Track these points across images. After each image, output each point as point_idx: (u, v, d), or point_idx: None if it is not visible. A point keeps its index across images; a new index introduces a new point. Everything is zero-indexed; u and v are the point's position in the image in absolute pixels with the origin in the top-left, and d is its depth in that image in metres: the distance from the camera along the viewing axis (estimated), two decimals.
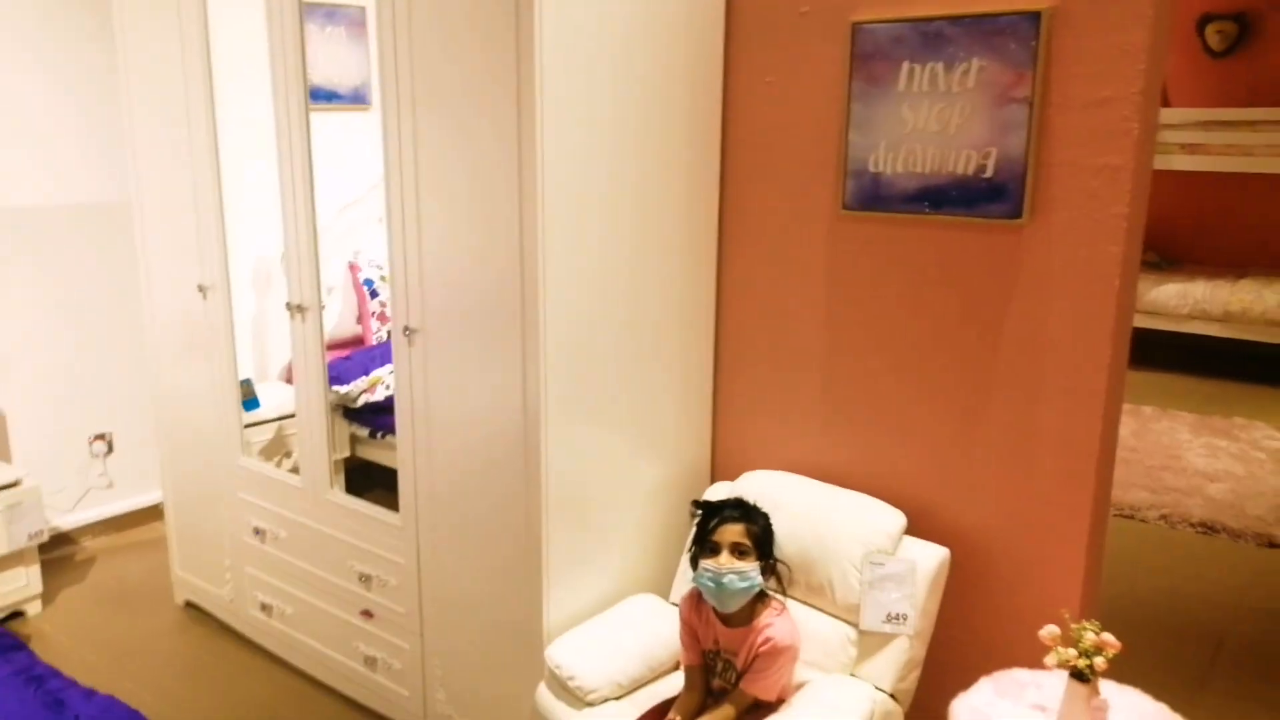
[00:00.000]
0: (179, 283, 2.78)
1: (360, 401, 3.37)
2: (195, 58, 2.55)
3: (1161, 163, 5.44)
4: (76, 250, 3.44)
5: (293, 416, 3.19)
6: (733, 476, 2.27)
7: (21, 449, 3.38)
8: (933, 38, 1.94)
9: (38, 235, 3.34)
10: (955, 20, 1.91)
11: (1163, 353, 5.61)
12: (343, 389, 3.31)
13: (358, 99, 3.91)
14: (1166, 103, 5.94)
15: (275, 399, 3.31)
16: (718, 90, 2.24)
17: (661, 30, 2.06)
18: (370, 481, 3.16)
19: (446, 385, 2.15)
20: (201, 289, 2.71)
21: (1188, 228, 6.08)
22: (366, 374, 3.41)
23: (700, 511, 1.92)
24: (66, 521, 3.48)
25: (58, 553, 3.36)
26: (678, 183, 2.18)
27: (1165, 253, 6.07)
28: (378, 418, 3.41)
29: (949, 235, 1.99)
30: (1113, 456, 2.00)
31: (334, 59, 3.80)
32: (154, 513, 3.71)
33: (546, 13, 1.79)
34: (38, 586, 3.05)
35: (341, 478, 2.64)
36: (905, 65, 1.98)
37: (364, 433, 3.50)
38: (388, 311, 3.87)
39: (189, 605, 3.10)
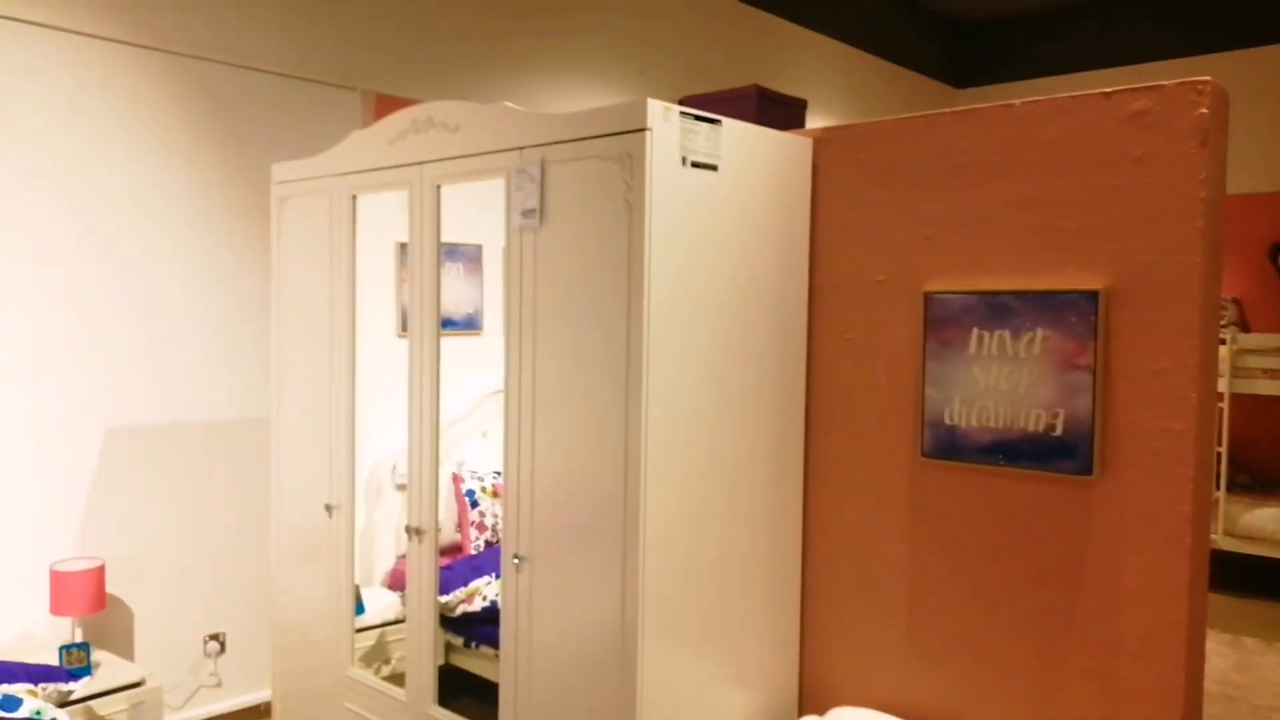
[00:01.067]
0: (307, 497, 3.05)
1: (459, 611, 3.54)
2: (342, 294, 2.91)
3: (1245, 387, 5.50)
4: (209, 461, 3.78)
5: (395, 624, 3.38)
6: (820, 710, 2.34)
7: (143, 648, 3.61)
8: (999, 308, 2.16)
9: (183, 447, 3.70)
10: (1019, 295, 2.13)
11: (1263, 580, 5.46)
12: (443, 599, 3.49)
13: (470, 325, 4.30)
14: (1245, 328, 6.05)
15: (378, 604, 3.51)
16: (802, 342, 2.48)
17: (754, 288, 2.33)
18: (460, 688, 3.28)
19: (549, 604, 2.32)
20: (328, 508, 2.97)
21: (1277, 450, 6.04)
22: (466, 585, 3.59)
23: None
24: (176, 718, 3.65)
25: None
26: (766, 422, 2.39)
27: (1259, 475, 6.01)
28: (473, 628, 3.57)
29: (1023, 486, 2.14)
30: (1198, 710, 2.03)
31: (451, 289, 4.22)
32: (257, 712, 3.86)
33: (655, 266, 2.07)
34: None
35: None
36: (975, 331, 2.19)
37: (459, 641, 3.65)
38: (486, 521, 4.10)
39: None
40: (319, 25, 4.01)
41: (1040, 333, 2.10)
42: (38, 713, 2.49)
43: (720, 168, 2.21)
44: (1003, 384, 2.15)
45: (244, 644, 3.85)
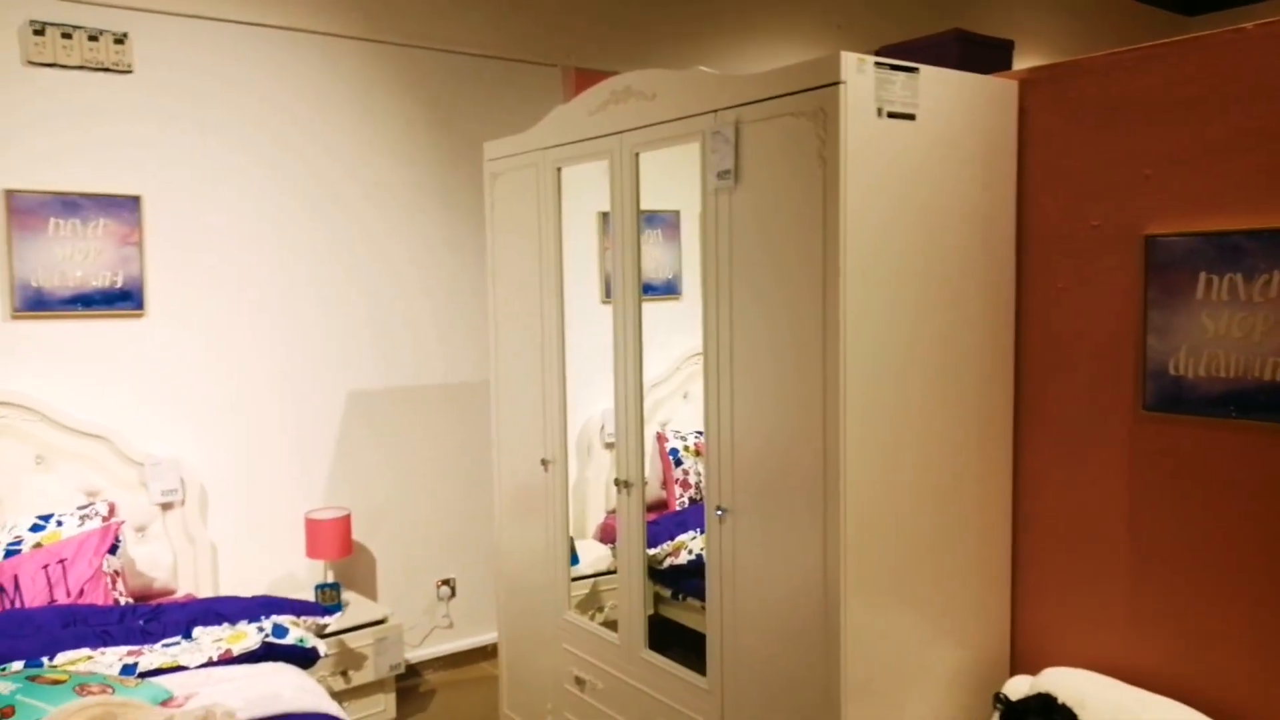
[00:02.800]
0: (524, 454, 3.26)
1: (666, 564, 3.68)
2: (551, 264, 3.06)
3: None
4: (438, 421, 4.09)
5: (607, 574, 3.55)
6: (1033, 670, 2.29)
7: (384, 589, 3.98)
8: (1230, 250, 2.01)
9: (413, 409, 4.03)
10: (1253, 234, 1.97)
11: None
12: (651, 551, 3.63)
13: (669, 290, 4.40)
14: None
15: (591, 556, 3.70)
16: (1010, 294, 2.40)
17: (957, 239, 2.28)
18: (668, 639, 3.41)
19: (752, 558, 2.38)
20: (544, 462, 3.15)
21: None
22: (672, 539, 3.72)
23: (1003, 707, 1.98)
24: (413, 656, 4.01)
25: (406, 683, 3.86)
26: (972, 378, 2.34)
27: None
28: (681, 580, 3.69)
29: (1257, 439, 2.00)
30: None
31: (651, 256, 4.33)
32: (484, 653, 4.18)
33: (851, 221, 2.07)
34: (393, 712, 3.54)
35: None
36: (1202, 275, 2.06)
37: (667, 593, 3.78)
38: (689, 479, 4.21)
39: None
40: (521, 7, 4.20)
41: (1277, 275, 1.94)
42: (301, 640, 2.81)
43: (918, 116, 2.17)
44: (1234, 331, 2.01)
45: (472, 588, 4.17)
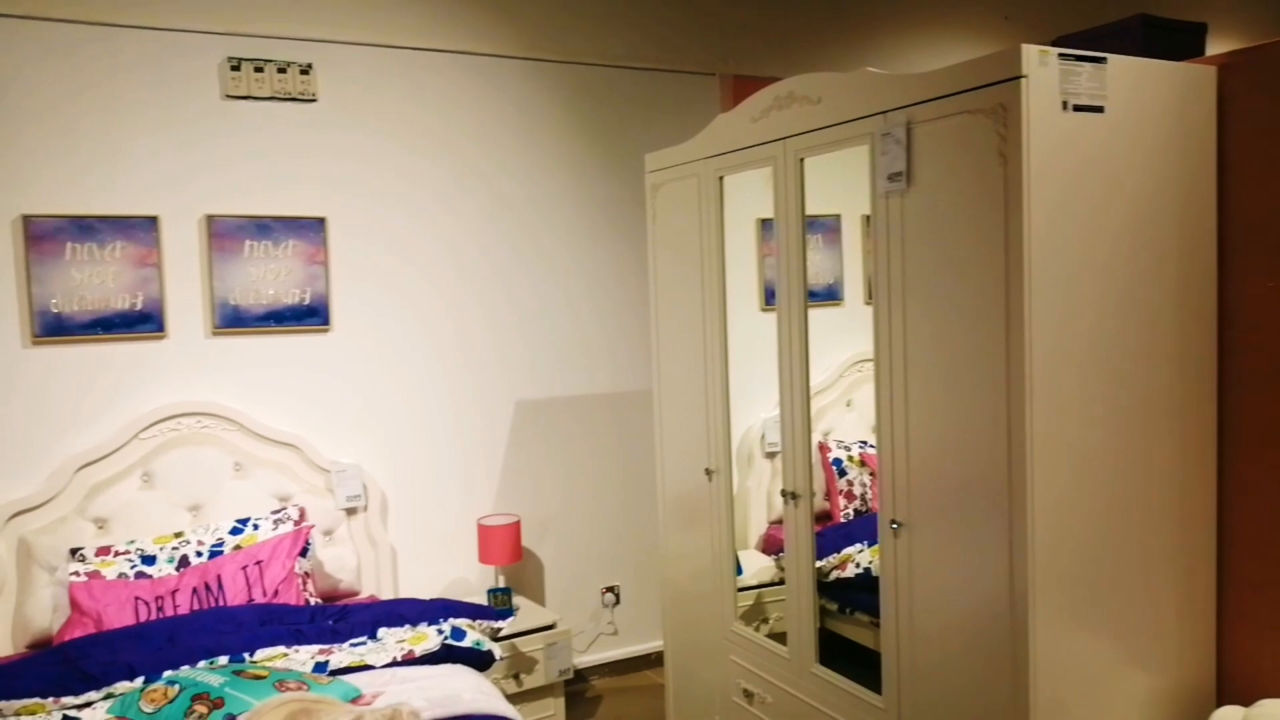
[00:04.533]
0: (688, 463, 3.26)
1: (832, 576, 3.60)
2: (713, 272, 3.06)
3: None
4: (602, 430, 4.15)
5: (771, 585, 3.51)
6: (1244, 700, 2.11)
7: (551, 595, 4.07)
8: None
9: (578, 418, 4.10)
10: None
11: None
12: (817, 564, 3.56)
13: (831, 296, 4.32)
14: None
15: (754, 567, 3.66)
16: (1211, 294, 2.23)
17: (1149, 236, 2.13)
18: (836, 653, 3.33)
19: (930, 573, 2.30)
20: (708, 472, 3.15)
21: None
22: (838, 551, 3.64)
23: None
24: (580, 661, 4.07)
25: (573, 688, 3.92)
26: (1168, 384, 2.19)
27: None
28: (848, 594, 3.60)
29: None
30: None
31: (811, 262, 4.26)
32: (648, 661, 4.20)
33: (1035, 219, 1.97)
34: (562, 717, 3.60)
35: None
36: None
37: (833, 606, 3.70)
38: (854, 490, 4.12)
39: None
40: (678, 18, 4.23)
41: None
42: (478, 643, 2.90)
43: (1106, 109, 2.05)
44: None
45: (636, 596, 4.20)
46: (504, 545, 3.70)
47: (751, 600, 3.45)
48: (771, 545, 3.92)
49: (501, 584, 3.77)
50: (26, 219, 3.15)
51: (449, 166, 3.82)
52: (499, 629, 3.13)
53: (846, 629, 3.64)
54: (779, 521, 3.44)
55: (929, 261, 2.23)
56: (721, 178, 3.00)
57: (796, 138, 2.62)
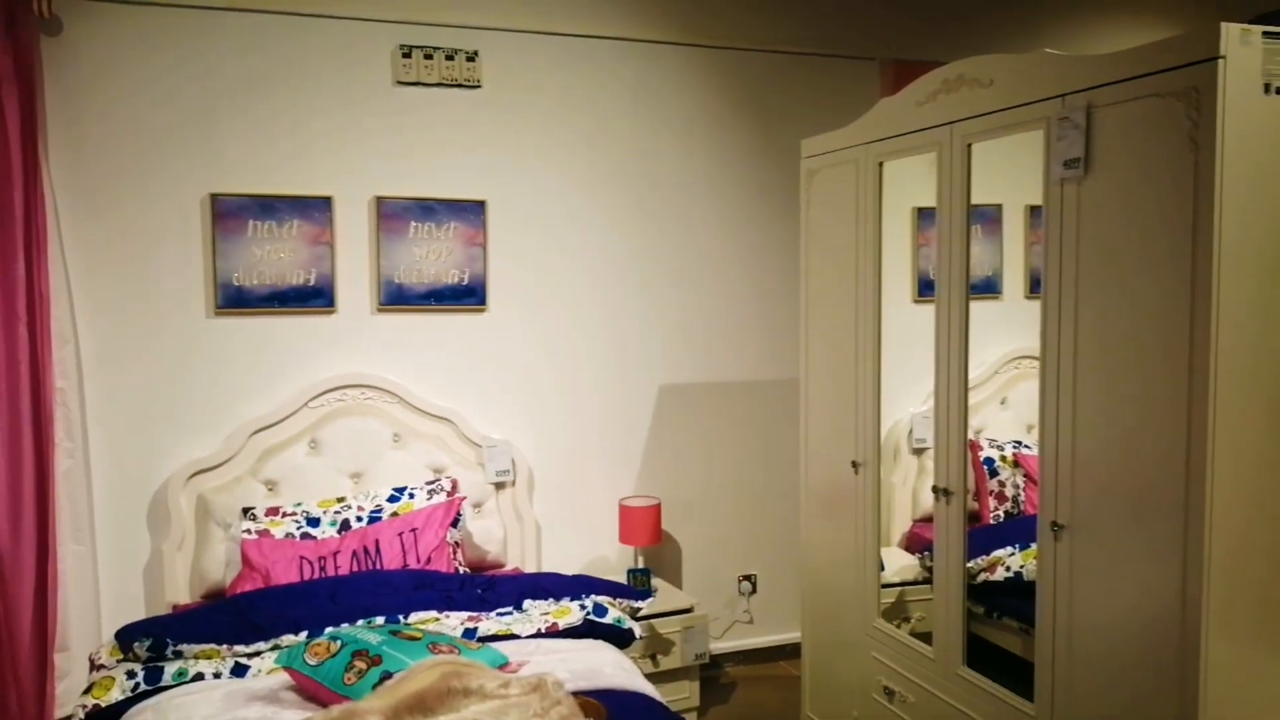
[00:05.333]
0: (834, 455, 3.21)
1: (979, 579, 3.48)
2: (868, 261, 2.99)
3: None
4: (745, 417, 4.14)
5: (914, 584, 3.42)
6: None
7: (688, 579, 4.09)
8: None
9: (723, 404, 4.10)
10: None
11: None
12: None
13: (989, 289, 4.16)
14: None
15: (896, 564, 3.58)
16: None
17: None
18: (981, 657, 3.22)
19: (1092, 581, 2.19)
20: (855, 465, 3.10)
21: None
22: (987, 553, 3.52)
23: None
24: (714, 648, 4.08)
25: (708, 673, 3.93)
26: None
27: None
28: (996, 598, 3.48)
29: None
30: None
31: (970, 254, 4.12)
32: (784, 652, 4.17)
33: (1228, 210, 1.85)
34: (696, 700, 3.62)
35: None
36: None
37: (979, 609, 3.58)
38: (1006, 491, 3.96)
39: None
40: (837, 3, 4.15)
41: None
42: (619, 620, 2.95)
43: None
44: None
45: (773, 586, 4.18)
46: (644, 527, 3.74)
47: (893, 598, 3.38)
48: (916, 543, 3.83)
49: (641, 565, 3.81)
50: (214, 197, 3.37)
51: (603, 152, 3.87)
52: (638, 608, 3.17)
53: (993, 634, 3.52)
54: (924, 519, 3.36)
55: (1105, 253, 2.12)
56: (881, 164, 2.93)
57: (964, 122, 2.54)
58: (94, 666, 2.75)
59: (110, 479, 3.34)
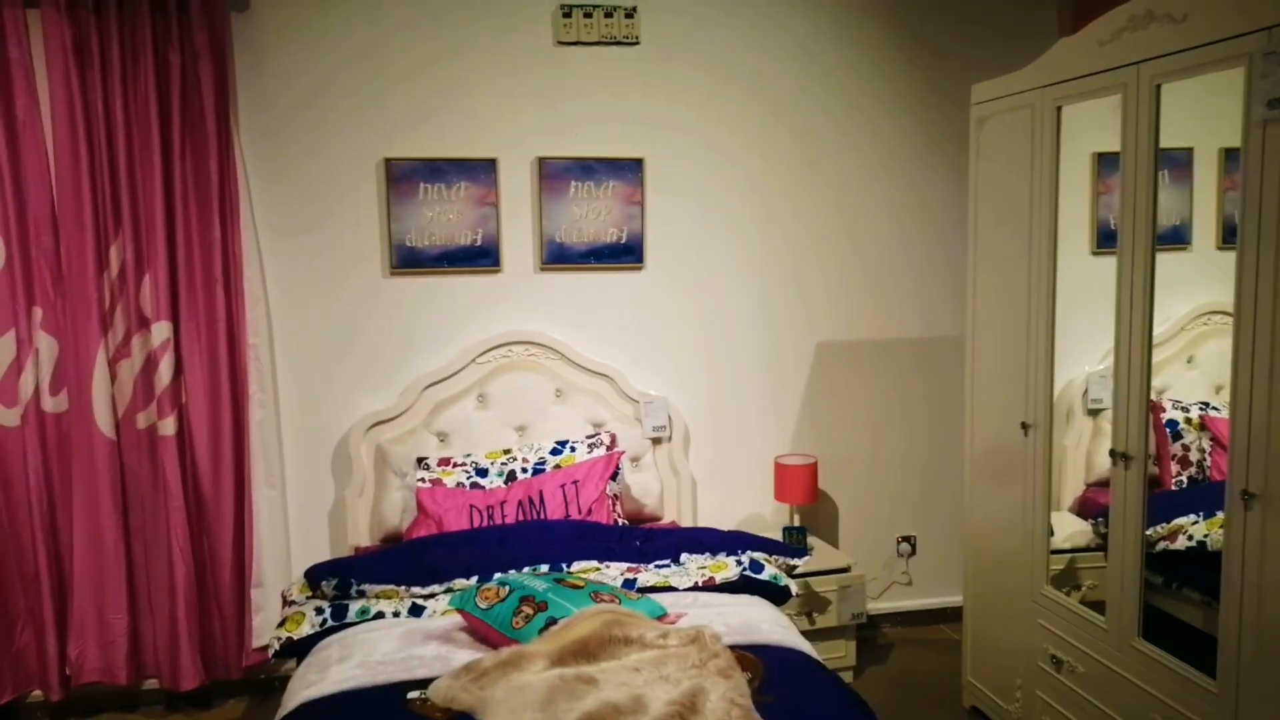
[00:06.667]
0: (1002, 416, 3.10)
1: (1159, 547, 3.30)
2: (1043, 211, 2.85)
3: None
4: (907, 375, 4.04)
5: (1085, 550, 3.28)
6: None
7: (844, 539, 4.05)
8: None
9: (881, 362, 4.02)
10: None
11: None
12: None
13: (1177, 239, 3.88)
14: None
15: (1066, 530, 3.43)
16: None
17: None
18: (1157, 629, 3.06)
19: None
20: (1025, 426, 2.98)
21: None
22: (1167, 521, 3.32)
23: None
24: (871, 608, 4.04)
25: (864, 634, 3.90)
26: None
27: None
28: (1176, 567, 3.29)
29: None
30: None
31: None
32: (943, 615, 4.09)
33: None
34: (852, 660, 3.60)
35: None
36: None
37: (1157, 579, 3.40)
38: (1190, 456, 3.72)
39: (974, 711, 3.35)
40: None
41: None
42: (775, 577, 2.96)
43: None
44: None
45: (933, 548, 4.09)
46: (800, 485, 3.72)
47: (1063, 565, 3.25)
48: (1089, 508, 3.66)
49: (796, 523, 3.80)
50: (388, 162, 3.53)
51: (761, 105, 3.81)
52: (794, 566, 3.17)
53: (1171, 605, 3.33)
54: (1099, 483, 3.21)
55: None
56: (1060, 108, 2.77)
57: (1153, 61, 2.36)
58: (286, 602, 2.98)
59: (298, 428, 3.59)
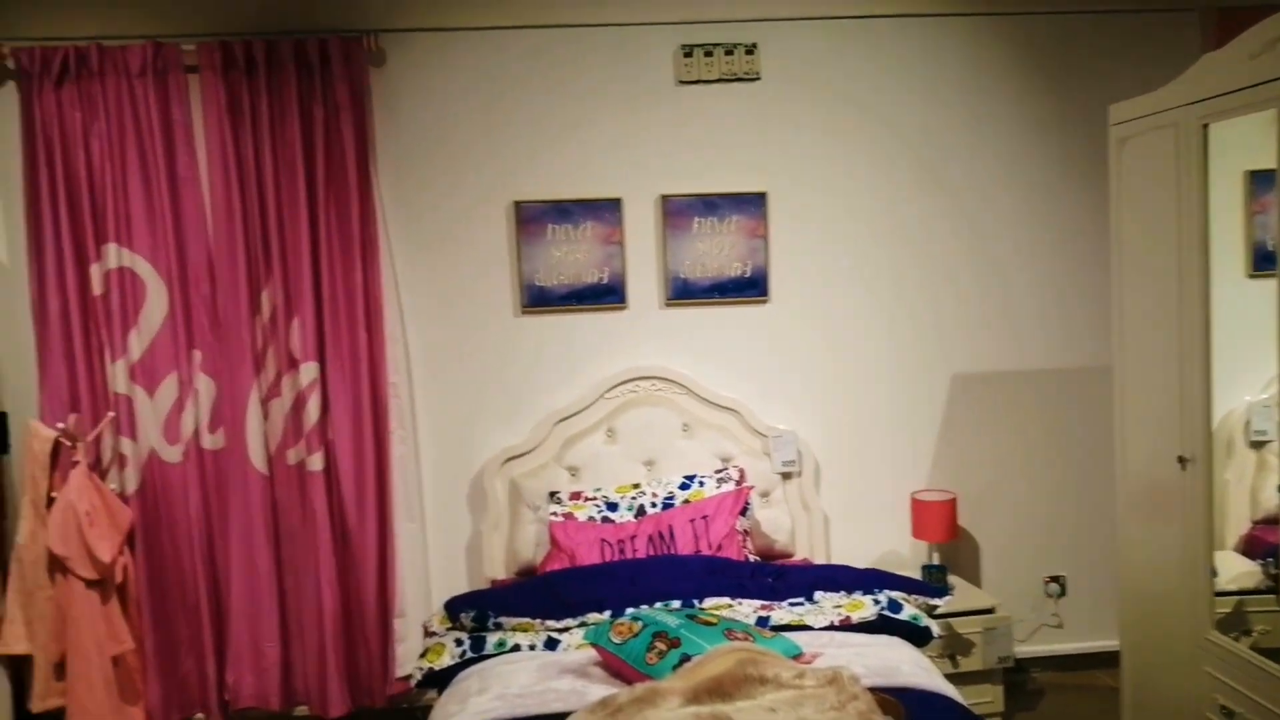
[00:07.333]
0: (1156, 448, 2.93)
1: None
2: (1192, 233, 2.70)
3: None
4: (1050, 407, 3.87)
5: (1255, 593, 3.05)
6: None
7: (988, 578, 3.89)
8: None
9: (1021, 393, 3.87)
10: None
11: None
12: None
13: None
14: None
15: (1231, 571, 3.20)
16: None
17: None
18: None
19: None
20: (1181, 460, 2.81)
21: None
22: None
23: None
24: (1019, 651, 3.85)
25: (1013, 679, 3.72)
26: None
27: None
28: None
29: None
30: None
31: None
32: (1099, 660, 3.86)
33: None
34: (1000, 706, 3.44)
35: None
36: None
37: None
38: None
39: None
40: None
41: None
42: (915, 617, 2.86)
43: None
44: None
45: (1084, 589, 3.88)
46: (939, 522, 3.60)
47: (1229, 608, 3.03)
48: (1256, 547, 3.41)
49: (936, 561, 3.67)
50: (517, 204, 3.63)
51: (887, 133, 3.76)
52: (935, 606, 3.06)
53: None
54: (1266, 520, 3.01)
55: None
56: (1206, 125, 2.63)
57: None
58: (427, 633, 3.06)
59: (436, 463, 3.71)
